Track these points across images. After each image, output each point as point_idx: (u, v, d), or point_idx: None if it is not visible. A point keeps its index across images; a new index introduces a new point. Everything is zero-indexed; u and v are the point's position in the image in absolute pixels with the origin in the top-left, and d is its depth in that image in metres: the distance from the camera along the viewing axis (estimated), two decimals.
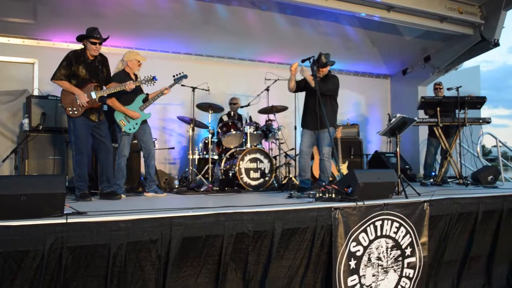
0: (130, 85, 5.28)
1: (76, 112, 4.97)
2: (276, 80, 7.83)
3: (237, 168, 6.63)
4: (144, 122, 5.75)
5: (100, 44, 5.08)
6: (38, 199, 3.11)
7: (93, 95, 5.03)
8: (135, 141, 5.97)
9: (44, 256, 2.89)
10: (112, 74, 5.50)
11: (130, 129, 5.58)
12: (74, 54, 5.07)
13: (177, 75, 5.84)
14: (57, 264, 2.96)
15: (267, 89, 7.99)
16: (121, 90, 5.26)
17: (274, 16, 8.22)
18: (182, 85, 6.59)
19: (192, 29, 8.02)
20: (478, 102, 7.32)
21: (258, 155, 6.87)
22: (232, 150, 7.11)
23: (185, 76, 5.86)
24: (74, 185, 5.04)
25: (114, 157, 5.45)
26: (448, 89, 7.29)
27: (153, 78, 5.51)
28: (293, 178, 7.17)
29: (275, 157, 7.57)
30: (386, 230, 4.32)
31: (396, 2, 7.25)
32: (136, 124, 5.62)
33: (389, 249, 4.35)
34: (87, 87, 5.03)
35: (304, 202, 4.44)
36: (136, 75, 5.74)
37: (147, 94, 5.76)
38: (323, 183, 5.41)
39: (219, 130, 7.32)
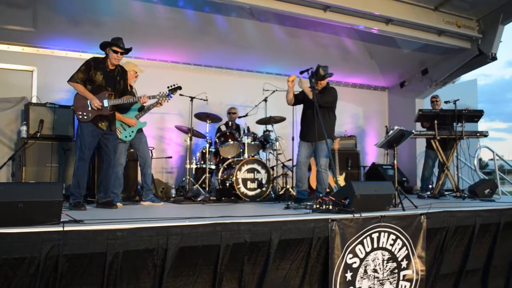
0: (144, 99, 5.27)
1: (85, 118, 4.93)
2: (274, 91, 7.85)
3: (234, 178, 6.64)
4: (140, 131, 5.76)
5: (122, 54, 5.09)
6: (35, 206, 3.10)
7: (105, 102, 5.00)
8: (132, 150, 5.96)
9: (40, 264, 2.87)
10: None
11: (126, 137, 5.59)
12: (95, 60, 5.07)
13: (171, 86, 5.79)
14: (53, 272, 2.95)
15: (265, 100, 8.01)
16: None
17: (272, 27, 8.27)
18: (181, 95, 6.60)
19: (191, 39, 8.06)
20: (475, 115, 7.35)
21: (255, 166, 6.87)
22: (230, 160, 7.11)
23: (179, 88, 5.82)
24: (70, 191, 5.01)
25: None
26: (446, 102, 7.32)
27: (168, 95, 5.54)
28: (290, 189, 7.17)
29: (272, 168, 7.57)
30: (383, 242, 4.32)
31: (394, 15, 7.30)
32: (132, 132, 5.64)
33: (385, 261, 4.35)
34: (101, 94, 4.99)
35: (301, 213, 4.44)
36: (131, 86, 5.74)
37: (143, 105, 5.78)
38: (320, 195, 5.42)
39: (216, 140, 7.32)
